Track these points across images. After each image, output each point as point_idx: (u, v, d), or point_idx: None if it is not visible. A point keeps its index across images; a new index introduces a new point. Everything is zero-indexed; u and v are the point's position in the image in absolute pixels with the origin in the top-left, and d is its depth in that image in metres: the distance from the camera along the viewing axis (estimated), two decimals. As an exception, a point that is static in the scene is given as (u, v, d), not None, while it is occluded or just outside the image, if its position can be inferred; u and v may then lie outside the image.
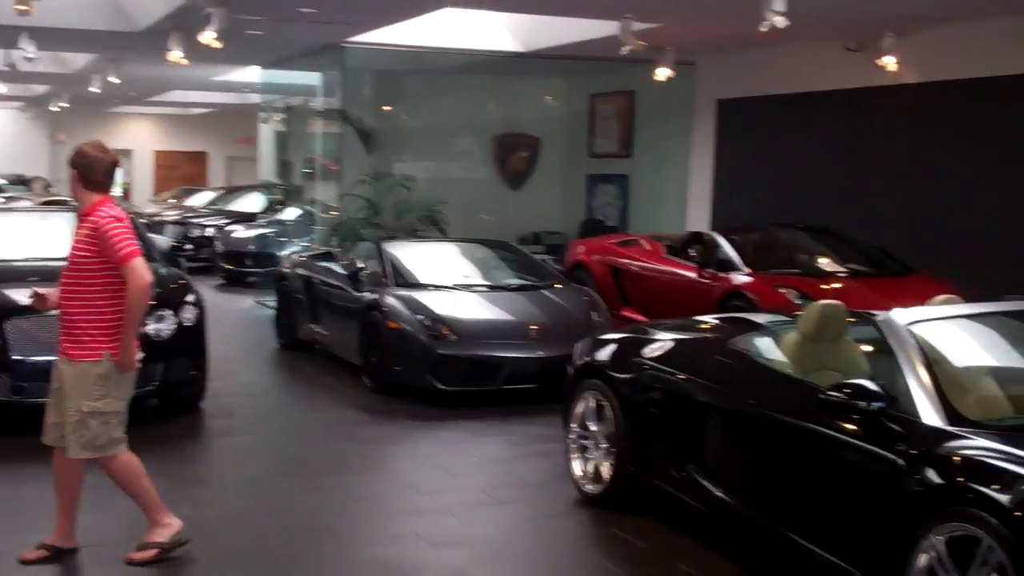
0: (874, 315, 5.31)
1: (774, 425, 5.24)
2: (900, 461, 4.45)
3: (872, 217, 11.85)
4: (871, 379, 5.35)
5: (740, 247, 10.47)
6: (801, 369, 5.55)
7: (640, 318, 10.89)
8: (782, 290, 9.46)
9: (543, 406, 8.85)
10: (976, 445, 4.31)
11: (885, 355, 5.59)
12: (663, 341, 6.29)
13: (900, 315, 5.12)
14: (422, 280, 9.80)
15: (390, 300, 9.30)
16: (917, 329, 5.01)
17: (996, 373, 5.22)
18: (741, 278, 9.92)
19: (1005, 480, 4.05)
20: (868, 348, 5.80)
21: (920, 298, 8.97)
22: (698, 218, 14.56)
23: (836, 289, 9.58)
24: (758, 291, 9.56)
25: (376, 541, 5.86)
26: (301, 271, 11.15)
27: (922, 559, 4.25)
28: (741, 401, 5.48)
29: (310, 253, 11.88)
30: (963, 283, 9.53)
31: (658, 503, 6.13)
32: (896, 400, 4.68)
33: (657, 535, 5.93)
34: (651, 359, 6.16)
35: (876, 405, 4.60)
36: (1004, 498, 3.96)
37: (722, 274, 10.14)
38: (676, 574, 5.40)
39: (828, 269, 10.27)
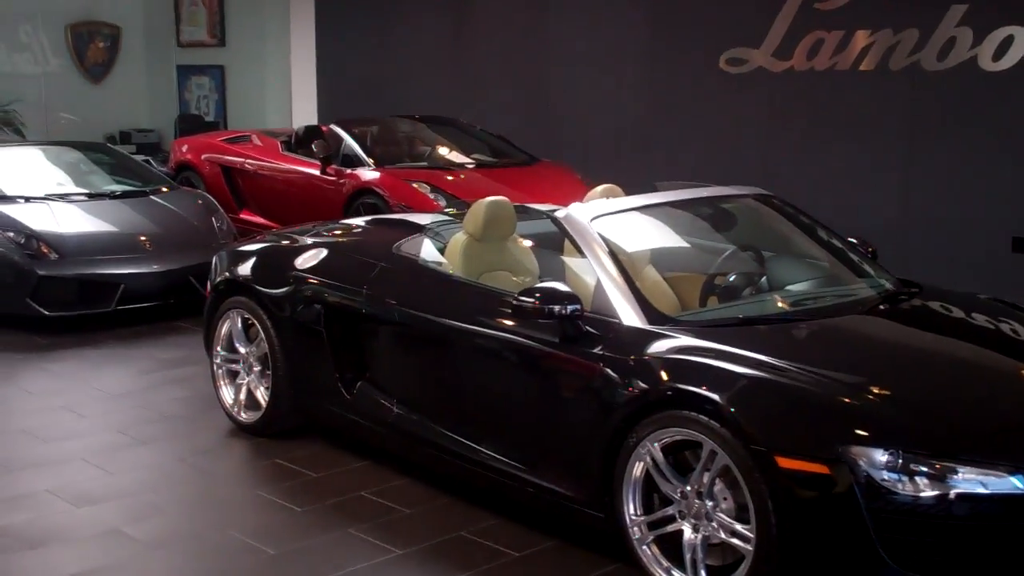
0: (552, 211, 5.04)
1: (458, 335, 4.85)
2: (603, 366, 4.23)
3: (488, 105, 11.72)
4: (541, 279, 5.18)
5: (362, 141, 9.98)
6: (471, 271, 5.23)
7: (260, 221, 10.22)
8: (414, 184, 9.09)
9: (168, 325, 8.13)
10: (681, 344, 4.16)
11: (554, 252, 5.43)
12: (317, 249, 5.73)
13: (580, 211, 4.87)
14: (7, 192, 8.59)
15: (-31, 217, 8.09)
16: (598, 225, 4.78)
17: (678, 265, 5.15)
18: (369, 174, 9.43)
19: (717, 378, 3.92)
20: (529, 244, 5.62)
21: (548, 186, 9.06)
22: (304, 111, 13.85)
23: (465, 180, 9.37)
24: (389, 186, 9.13)
25: (1, 507, 4.95)
26: None
27: (636, 468, 4.07)
28: (417, 311, 5.06)
29: None
30: (581, 171, 9.67)
31: (325, 426, 5.66)
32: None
33: (328, 462, 5.46)
34: (306, 270, 5.60)
35: (571, 308, 4.33)
36: (719, 397, 3.83)
37: (348, 170, 9.60)
38: (360, 504, 4.96)
39: (456, 160, 10.01)
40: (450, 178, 9.41)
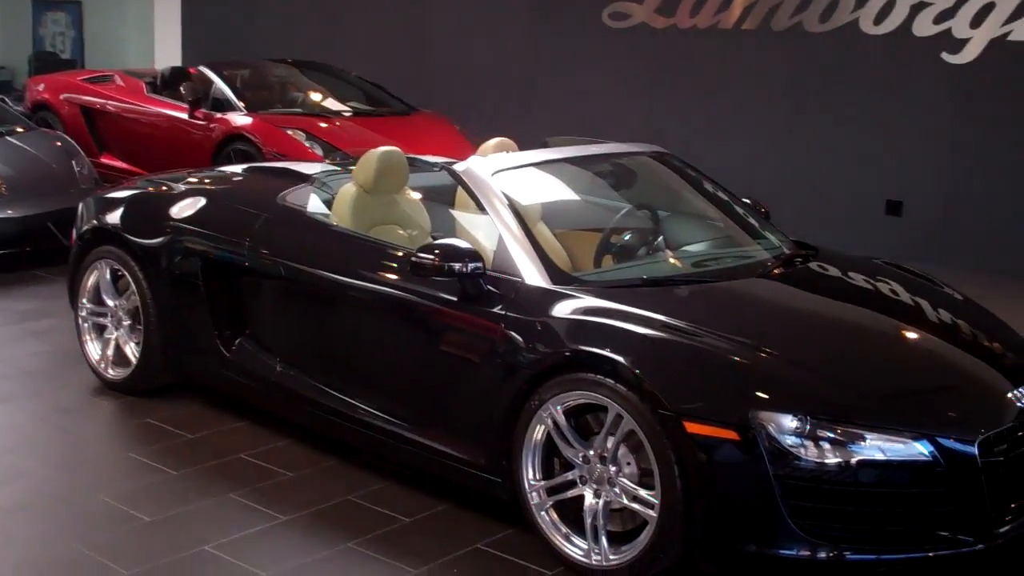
0: (449, 163, 4.84)
1: (348, 291, 4.63)
2: (504, 326, 4.07)
3: (364, 53, 11.39)
4: (433, 235, 5.01)
5: (233, 84, 9.55)
6: (361, 225, 5.00)
7: (123, 166, 9.74)
8: (289, 131, 8.74)
9: (23, 275, 7.70)
10: (586, 305, 4.03)
11: (444, 207, 5.24)
12: (195, 197, 5.41)
13: (480, 165, 4.67)
14: None
15: None
16: (499, 180, 4.60)
17: (571, 223, 5.01)
18: (241, 119, 9.03)
19: (623, 340, 3.80)
20: (417, 197, 5.42)
21: (427, 137, 8.83)
22: (167, 52, 13.28)
23: (341, 128, 9.06)
24: (262, 133, 8.76)
25: None
26: None
27: (537, 431, 3.94)
28: (304, 265, 4.80)
29: None
30: (459, 123, 9.47)
31: (201, 385, 5.38)
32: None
33: (205, 422, 5.19)
34: (183, 219, 5.28)
35: (472, 266, 4.15)
36: (626, 360, 3.71)
37: (218, 115, 9.19)
38: (239, 467, 4.71)
39: (332, 108, 9.67)
40: (325, 126, 9.09)
